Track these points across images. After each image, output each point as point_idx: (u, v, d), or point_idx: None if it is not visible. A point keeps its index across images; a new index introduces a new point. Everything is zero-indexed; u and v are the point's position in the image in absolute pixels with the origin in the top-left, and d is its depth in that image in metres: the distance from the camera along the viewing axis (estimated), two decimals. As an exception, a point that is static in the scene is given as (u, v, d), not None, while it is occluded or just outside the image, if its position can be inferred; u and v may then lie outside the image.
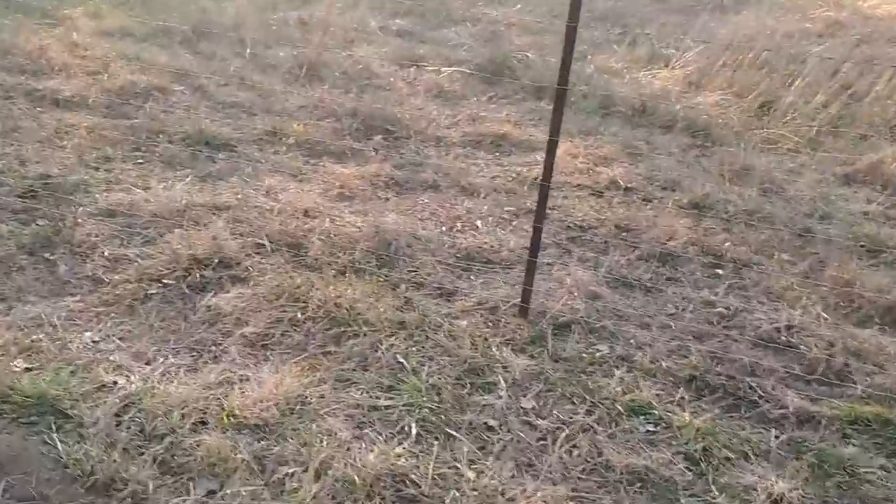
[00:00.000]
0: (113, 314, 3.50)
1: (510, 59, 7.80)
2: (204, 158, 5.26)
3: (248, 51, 7.51)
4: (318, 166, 5.28)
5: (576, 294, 3.66)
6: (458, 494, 2.65)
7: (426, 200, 4.78)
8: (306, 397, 3.04)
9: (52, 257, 3.93)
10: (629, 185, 5.10)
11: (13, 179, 4.62)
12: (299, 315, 3.44)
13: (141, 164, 5.10)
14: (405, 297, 3.64)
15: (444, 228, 4.36)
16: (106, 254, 3.97)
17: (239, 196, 4.61)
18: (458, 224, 4.43)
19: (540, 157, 5.55)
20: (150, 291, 3.67)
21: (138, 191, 4.62)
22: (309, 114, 6.19)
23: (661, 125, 6.36)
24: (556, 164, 5.48)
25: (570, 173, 5.22)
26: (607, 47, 8.75)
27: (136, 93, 6.18)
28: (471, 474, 2.73)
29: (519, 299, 3.53)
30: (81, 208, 4.35)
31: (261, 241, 4.09)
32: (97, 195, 4.54)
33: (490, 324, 3.49)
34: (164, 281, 3.75)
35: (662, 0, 11.07)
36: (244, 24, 8.35)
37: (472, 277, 3.89)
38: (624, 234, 4.41)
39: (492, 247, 4.15)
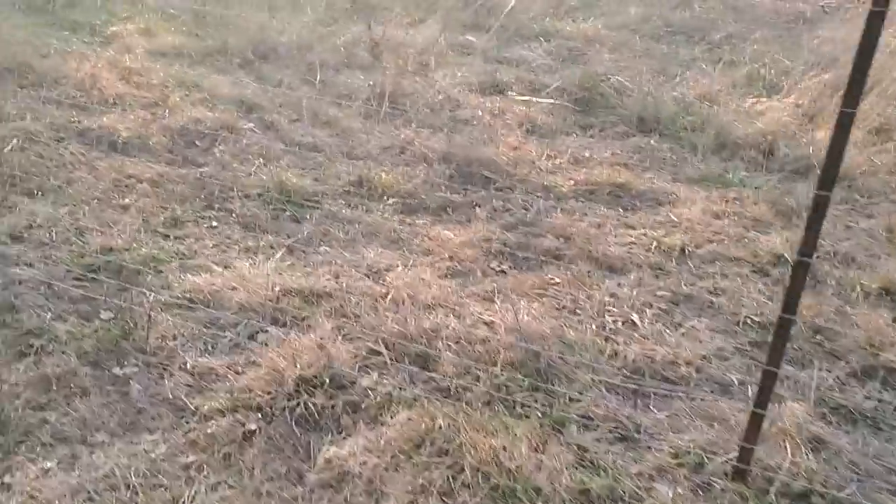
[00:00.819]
0: (205, 467, 2.64)
1: (600, 85, 6.86)
2: (287, 219, 4.39)
3: (318, 78, 6.61)
4: (416, 226, 4.39)
5: (797, 440, 2.74)
6: None
7: (556, 280, 3.88)
8: None
9: (121, 372, 3.07)
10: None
11: (70, 255, 3.77)
12: (450, 480, 2.55)
13: (215, 227, 4.23)
14: (577, 445, 2.74)
15: (593, 326, 3.45)
16: (188, 365, 3.11)
17: (339, 279, 3.73)
18: (609, 319, 3.52)
19: (672, 213, 4.65)
20: (249, 428, 2.80)
21: (218, 269, 3.75)
22: (395, 157, 5.30)
23: (793, 170, 5.41)
24: (695, 222, 4.63)
25: (720, 240, 4.30)
26: (696, 67, 7.78)
27: (202, 132, 5.31)
28: None
29: (730, 455, 2.63)
30: (153, 295, 3.48)
31: (376, 348, 3.21)
32: (170, 276, 3.68)
33: (700, 490, 2.59)
34: (266, 410, 2.88)
35: (743, 10, 10.05)
36: (308, 44, 7.46)
37: (651, 408, 2.99)
38: (817, 335, 3.48)
39: (664, 357, 3.23)
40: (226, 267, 3.74)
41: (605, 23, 8.98)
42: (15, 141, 4.85)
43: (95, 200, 4.32)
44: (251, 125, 5.59)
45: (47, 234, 3.93)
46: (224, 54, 7.32)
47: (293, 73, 6.85)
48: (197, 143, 5.21)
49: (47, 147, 4.87)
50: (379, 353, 3.18)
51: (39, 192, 4.37)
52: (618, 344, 3.31)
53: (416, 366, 3.14)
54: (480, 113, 6.20)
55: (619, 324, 3.48)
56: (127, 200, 4.36)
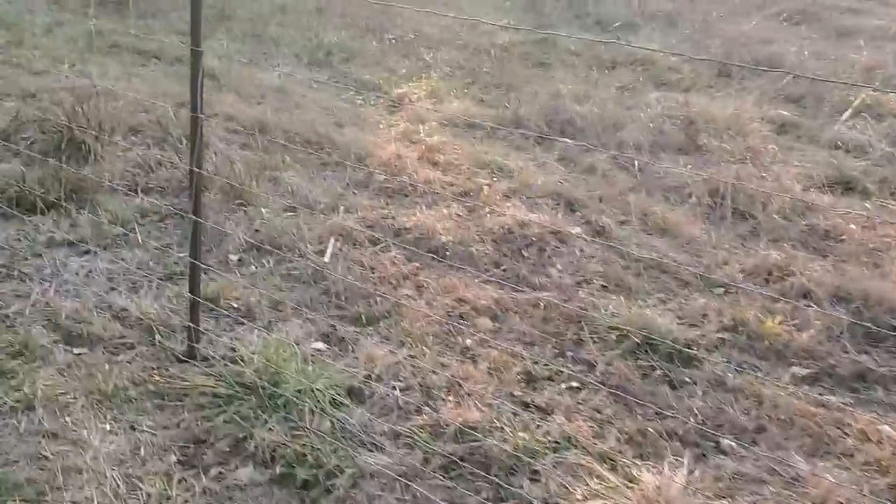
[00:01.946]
0: None
1: None
2: (660, 381, 3.35)
3: (637, 165, 5.58)
4: (831, 410, 3.22)
5: None
6: None
7: None
8: None
9: None
10: None
11: (422, 434, 2.92)
12: None
13: (579, 393, 3.27)
14: None
15: None
16: None
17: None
18: None
19: None
20: None
21: (611, 479, 2.75)
22: (766, 286, 4.15)
23: None
24: None
25: None
26: None
27: (526, 237, 4.41)
28: None
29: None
30: (537, 515, 2.55)
31: None
32: (549, 482, 2.73)
33: None
34: None
35: None
36: (611, 117, 6.46)
37: None
38: None
39: None
40: (630, 480, 2.74)
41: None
42: (333, 242, 4.16)
43: (431, 337, 3.49)
44: (579, 230, 4.62)
45: (391, 395, 3.11)
46: (517, 125, 6.46)
47: (600, 154, 5.87)
48: (524, 253, 4.32)
49: (365, 253, 4.13)
50: None
51: (367, 321, 3.60)
52: None
53: None
54: (842, 222, 4.91)
55: None
56: (468, 342, 3.49)
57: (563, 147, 6.04)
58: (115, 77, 6.76)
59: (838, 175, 5.61)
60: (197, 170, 2.94)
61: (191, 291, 3.13)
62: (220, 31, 8.99)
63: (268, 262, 4.02)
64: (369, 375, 3.19)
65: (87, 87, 6.05)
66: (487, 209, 4.71)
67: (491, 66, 8.17)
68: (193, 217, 3.00)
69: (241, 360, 3.14)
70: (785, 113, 6.97)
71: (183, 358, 3.18)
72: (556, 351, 3.53)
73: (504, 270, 4.14)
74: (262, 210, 4.52)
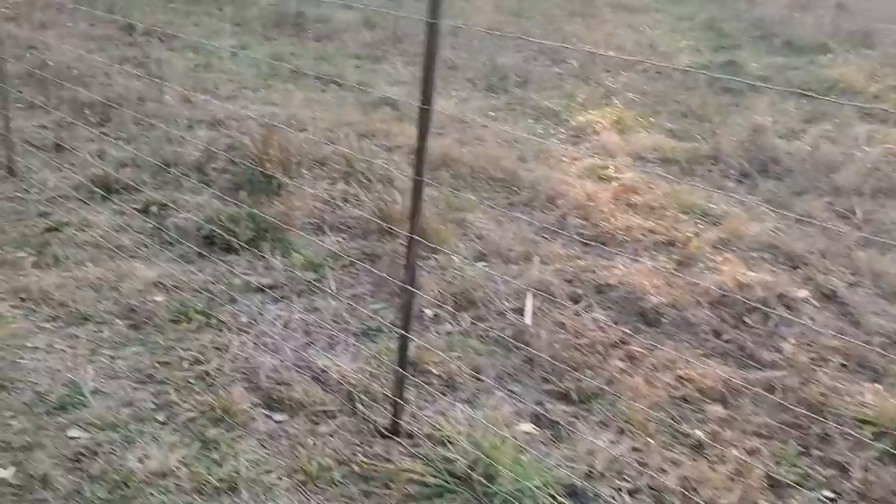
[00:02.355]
0: None
1: None
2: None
3: (859, 213, 4.92)
4: None
5: None
6: None
7: None
8: None
9: None
10: None
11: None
12: None
13: (832, 502, 2.76)
14: None
15: None
16: None
17: None
18: None
19: None
20: None
21: None
22: None
23: None
24: None
25: None
26: None
27: (747, 301, 3.89)
28: None
29: None
30: None
31: None
32: None
33: None
34: None
35: None
36: (823, 156, 5.78)
37: None
38: None
39: None
40: None
41: None
42: (532, 300, 3.81)
43: (653, 423, 3.06)
44: (805, 293, 4.06)
45: (618, 499, 2.71)
46: (715, 162, 5.92)
47: (814, 199, 5.23)
48: (746, 320, 3.81)
49: (566, 313, 3.75)
50: None
51: (578, 398, 3.22)
52: None
53: None
54: None
55: None
56: (698, 433, 3.04)
57: (768, 187, 5.45)
58: (298, 104, 6.73)
59: None
60: (416, 237, 2.66)
61: (399, 364, 2.85)
62: (392, 53, 8.90)
63: (464, 319, 3.72)
64: (590, 472, 2.81)
65: (272, 116, 6.03)
66: (700, 264, 4.23)
67: (676, 92, 7.62)
68: (409, 288, 2.72)
69: (448, 442, 2.84)
70: None
71: (387, 433, 2.92)
72: (801, 448, 3.02)
73: (727, 342, 3.65)
74: (454, 258, 4.24)
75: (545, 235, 4.61)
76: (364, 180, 5.08)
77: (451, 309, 3.78)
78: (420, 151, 2.56)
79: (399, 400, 2.90)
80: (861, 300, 4.04)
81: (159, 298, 3.71)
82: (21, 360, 3.20)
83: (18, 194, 4.78)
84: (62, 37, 8.34)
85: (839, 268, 4.36)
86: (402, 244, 4.26)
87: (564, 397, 3.24)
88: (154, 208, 4.63)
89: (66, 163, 5.21)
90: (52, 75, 6.51)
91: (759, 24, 10.72)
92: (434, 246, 4.31)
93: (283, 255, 4.17)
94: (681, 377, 3.35)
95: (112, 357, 3.29)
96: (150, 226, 4.43)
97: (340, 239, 4.46)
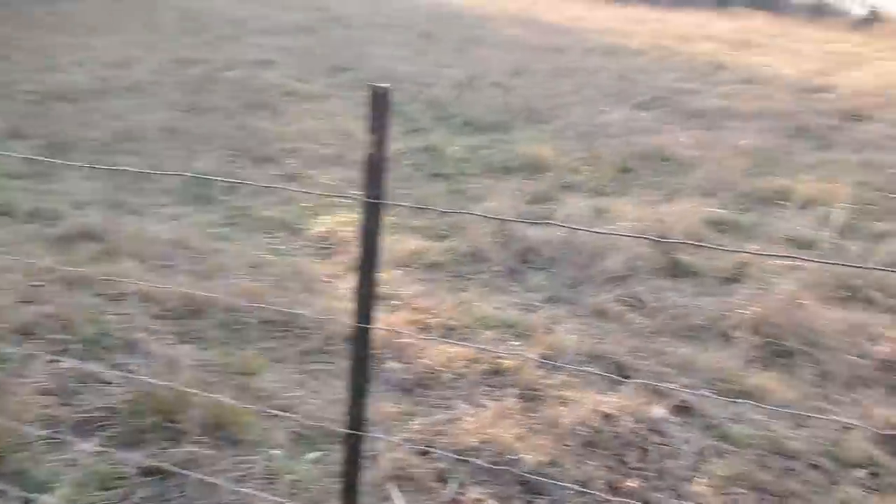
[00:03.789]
0: None
1: None
2: None
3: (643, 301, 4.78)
4: None
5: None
6: None
7: None
8: None
9: None
10: None
11: None
12: None
13: None
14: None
15: None
16: None
17: None
18: None
19: None
20: None
21: None
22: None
23: None
24: None
25: None
26: None
27: (618, 438, 3.39)
28: None
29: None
30: None
31: None
32: None
33: None
34: None
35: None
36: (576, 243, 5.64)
37: None
38: None
39: None
40: None
41: None
42: (396, 489, 2.88)
43: None
44: (663, 411, 3.67)
45: None
46: (476, 260, 5.48)
47: (596, 292, 5.01)
48: (627, 461, 3.28)
49: (441, 500, 2.90)
50: None
51: None
52: None
53: None
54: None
55: None
56: None
57: (540, 282, 5.13)
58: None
59: None
60: None
61: None
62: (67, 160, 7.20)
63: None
64: None
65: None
66: (546, 398, 3.65)
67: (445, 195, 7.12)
68: None
69: None
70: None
71: None
72: None
73: (629, 496, 3.08)
74: (270, 452, 3.15)
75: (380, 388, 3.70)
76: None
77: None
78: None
79: None
80: (711, 406, 3.75)
81: None
82: None
83: None
84: None
85: (663, 368, 4.08)
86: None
87: None
88: None
89: None
90: None
91: (434, 103, 10.75)
92: (232, 435, 3.18)
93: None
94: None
95: None
96: None
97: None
